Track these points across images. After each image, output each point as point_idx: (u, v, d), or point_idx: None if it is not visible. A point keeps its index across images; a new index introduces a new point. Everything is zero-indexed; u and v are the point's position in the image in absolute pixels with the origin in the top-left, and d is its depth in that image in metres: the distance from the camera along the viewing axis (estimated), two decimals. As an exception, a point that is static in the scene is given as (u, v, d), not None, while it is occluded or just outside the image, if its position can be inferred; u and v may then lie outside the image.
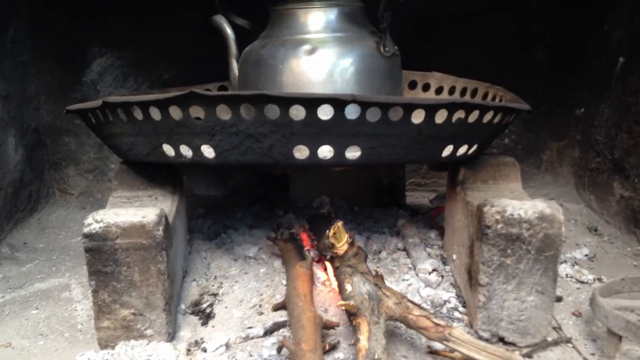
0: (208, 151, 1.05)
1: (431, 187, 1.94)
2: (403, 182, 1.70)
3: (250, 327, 1.10)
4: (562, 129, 1.86)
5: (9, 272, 1.40)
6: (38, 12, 1.72)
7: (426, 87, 1.56)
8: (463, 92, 1.48)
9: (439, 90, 1.54)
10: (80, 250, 1.48)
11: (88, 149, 1.88)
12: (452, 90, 1.52)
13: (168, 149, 1.08)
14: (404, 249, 1.41)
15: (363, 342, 0.92)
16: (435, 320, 0.96)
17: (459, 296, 1.20)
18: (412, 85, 1.57)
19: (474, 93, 1.45)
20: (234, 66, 1.37)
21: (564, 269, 1.34)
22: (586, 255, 1.44)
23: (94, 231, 0.99)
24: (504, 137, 1.88)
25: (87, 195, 1.90)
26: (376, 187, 1.69)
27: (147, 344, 1.04)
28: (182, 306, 1.19)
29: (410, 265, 1.33)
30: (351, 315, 0.98)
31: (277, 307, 1.16)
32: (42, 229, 1.68)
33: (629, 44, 1.56)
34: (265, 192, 1.72)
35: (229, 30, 1.36)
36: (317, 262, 1.31)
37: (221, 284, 1.28)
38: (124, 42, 1.80)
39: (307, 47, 1.23)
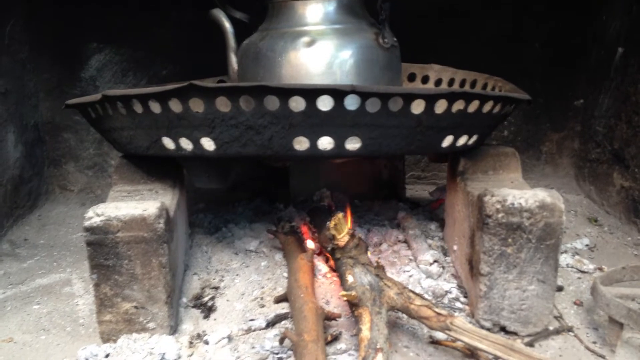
0: (208, 144, 1.04)
1: (431, 180, 1.94)
2: (403, 175, 1.70)
3: (252, 320, 1.11)
4: (561, 121, 1.86)
5: (10, 268, 1.40)
6: (36, 9, 1.72)
7: (425, 79, 1.56)
8: (462, 83, 1.49)
9: (438, 82, 1.55)
10: (81, 246, 1.49)
11: (87, 145, 1.88)
12: (451, 82, 1.52)
13: (168, 142, 1.08)
14: (405, 241, 1.41)
15: (365, 332, 0.93)
16: (437, 309, 0.96)
17: (460, 287, 1.20)
18: (411, 77, 1.57)
19: (473, 84, 1.45)
20: (233, 60, 1.37)
21: (564, 259, 1.34)
22: (587, 245, 1.45)
23: (95, 224, 0.99)
24: (503, 129, 1.88)
25: (87, 192, 1.90)
26: (376, 180, 1.69)
27: (150, 337, 1.04)
28: (184, 299, 1.19)
29: (411, 257, 1.33)
30: (353, 305, 0.98)
31: (279, 300, 1.16)
32: (43, 225, 1.68)
33: (628, 35, 1.56)
34: (265, 186, 1.72)
35: (227, 24, 1.35)
36: (318, 254, 1.31)
37: (222, 277, 1.28)
38: (122, 38, 1.80)
39: (305, 39, 1.23)
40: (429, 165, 1.93)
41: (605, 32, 1.66)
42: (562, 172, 1.91)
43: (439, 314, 0.95)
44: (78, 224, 1.67)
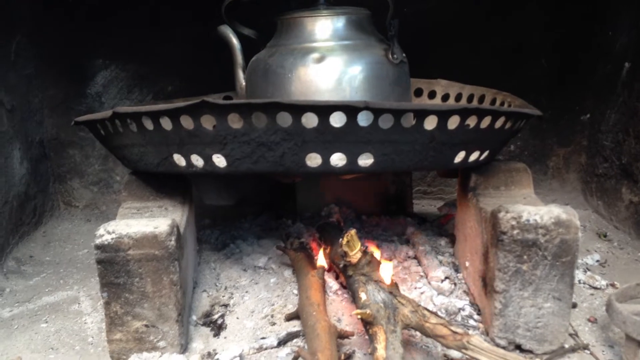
0: (219, 160, 1.04)
1: (437, 194, 1.94)
2: (410, 190, 1.69)
3: (263, 338, 1.09)
4: (568, 135, 1.86)
5: (16, 285, 1.38)
6: (42, 25, 1.72)
7: (432, 95, 1.56)
8: (470, 99, 1.48)
9: (445, 98, 1.54)
10: (88, 262, 1.48)
11: (93, 161, 1.87)
12: (458, 97, 1.51)
13: (179, 159, 1.07)
14: (415, 257, 1.39)
15: (380, 351, 0.91)
16: (453, 328, 0.95)
17: (472, 304, 1.19)
18: (418, 92, 1.57)
19: (481, 99, 1.45)
20: (241, 76, 1.37)
21: (576, 275, 1.33)
22: (597, 261, 1.43)
23: (106, 242, 0.98)
24: (510, 144, 1.87)
25: (92, 208, 1.89)
26: (383, 196, 1.68)
27: (160, 356, 1.03)
28: (194, 317, 1.17)
29: (422, 274, 1.32)
30: (367, 324, 0.97)
31: (290, 317, 1.15)
32: (48, 242, 1.67)
33: (635, 49, 1.56)
34: (271, 201, 1.71)
35: (235, 40, 1.35)
36: (328, 270, 1.30)
37: (232, 294, 1.27)
38: (128, 55, 1.79)
39: (315, 55, 1.23)
40: (435, 179, 1.93)
41: (612, 47, 1.66)
42: (569, 187, 1.90)
43: (455, 332, 0.94)
44: (83, 240, 1.67)
